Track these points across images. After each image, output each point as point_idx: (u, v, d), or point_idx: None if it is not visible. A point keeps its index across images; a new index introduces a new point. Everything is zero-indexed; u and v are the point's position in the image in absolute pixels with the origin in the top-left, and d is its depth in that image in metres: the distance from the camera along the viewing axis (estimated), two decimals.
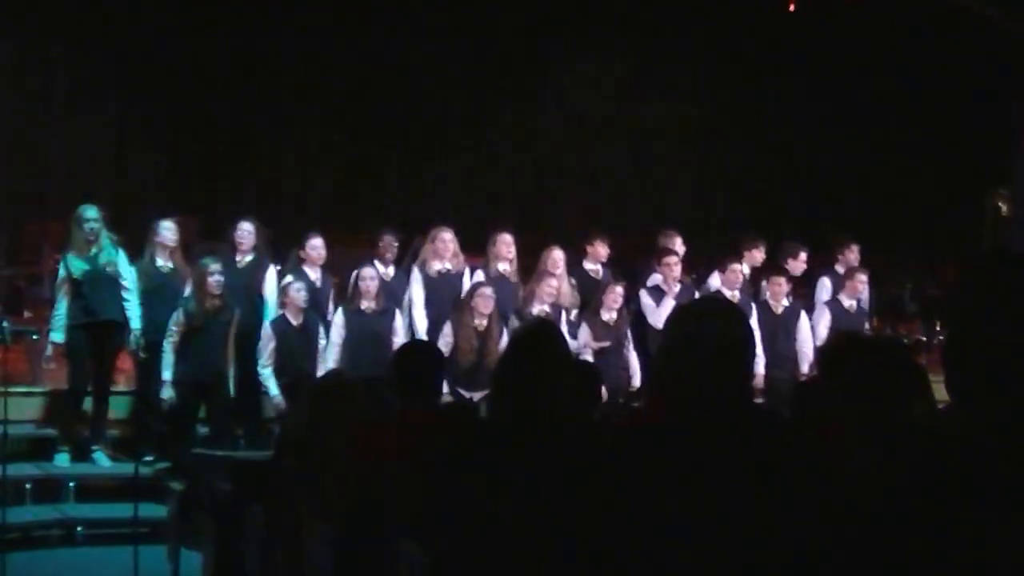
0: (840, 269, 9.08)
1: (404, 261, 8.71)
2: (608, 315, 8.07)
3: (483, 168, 13.23)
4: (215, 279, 7.40)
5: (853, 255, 9.12)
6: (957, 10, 11.30)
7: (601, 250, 8.76)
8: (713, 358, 2.30)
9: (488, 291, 7.67)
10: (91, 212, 7.51)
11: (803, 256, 9.14)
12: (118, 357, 7.85)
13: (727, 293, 8.27)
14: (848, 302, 8.67)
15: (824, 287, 9.08)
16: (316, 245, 8.05)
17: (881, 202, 13.63)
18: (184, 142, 12.04)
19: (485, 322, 7.59)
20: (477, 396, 7.44)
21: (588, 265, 8.76)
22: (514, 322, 7.78)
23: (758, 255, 9.15)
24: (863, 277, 8.78)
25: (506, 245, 8.27)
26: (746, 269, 8.90)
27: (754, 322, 8.17)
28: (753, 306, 8.31)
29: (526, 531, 2.70)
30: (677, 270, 8.44)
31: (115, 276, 7.49)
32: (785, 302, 8.55)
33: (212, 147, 12.12)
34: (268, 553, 4.23)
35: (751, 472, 2.22)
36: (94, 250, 7.46)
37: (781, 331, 8.42)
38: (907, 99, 13.43)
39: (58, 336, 7.49)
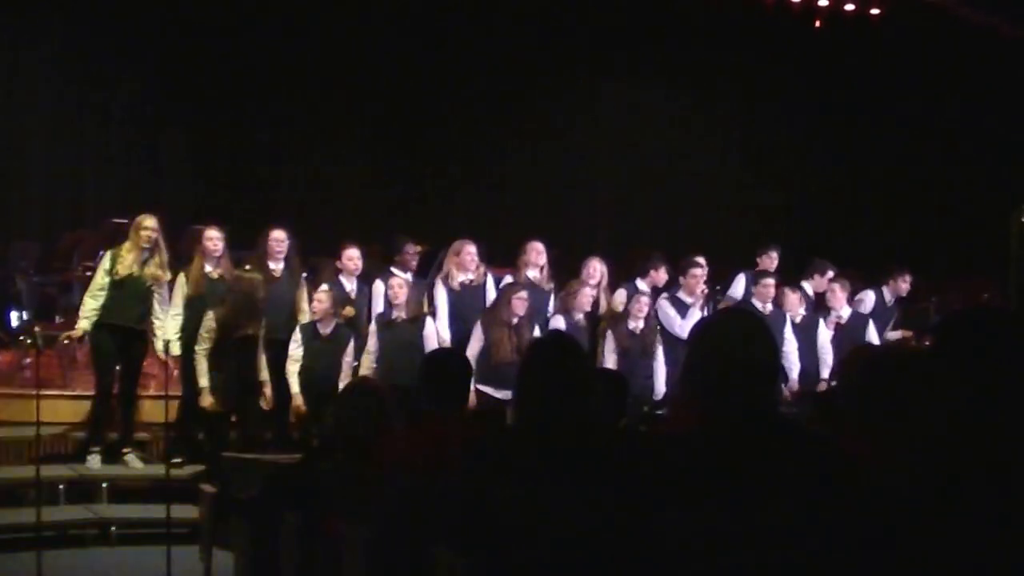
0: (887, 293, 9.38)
1: (430, 272, 8.82)
2: (634, 324, 8.14)
3: (515, 181, 13.33)
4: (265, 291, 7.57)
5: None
6: (982, 28, 11.31)
7: (660, 276, 8.83)
8: (740, 371, 2.34)
9: (524, 293, 7.80)
10: (150, 221, 7.64)
11: (830, 274, 9.28)
12: (144, 361, 7.94)
13: (759, 306, 8.39)
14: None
15: (868, 299, 9.29)
16: (352, 256, 8.16)
17: (909, 218, 13.65)
18: (217, 152, 12.17)
19: (516, 320, 7.70)
20: (507, 395, 7.44)
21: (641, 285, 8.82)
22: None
23: (769, 262, 9.26)
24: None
25: (536, 252, 8.39)
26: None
27: (789, 333, 8.31)
28: (788, 317, 8.45)
29: (559, 538, 2.73)
30: (702, 282, 8.54)
31: (150, 290, 7.60)
32: (802, 311, 8.66)
33: (245, 158, 12.24)
34: (302, 556, 4.28)
35: (779, 483, 2.24)
36: (145, 256, 7.57)
37: (803, 342, 8.52)
38: (935, 117, 13.44)
39: (87, 324, 7.54)
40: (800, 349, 8.47)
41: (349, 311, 7.93)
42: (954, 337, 2.19)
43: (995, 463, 2.01)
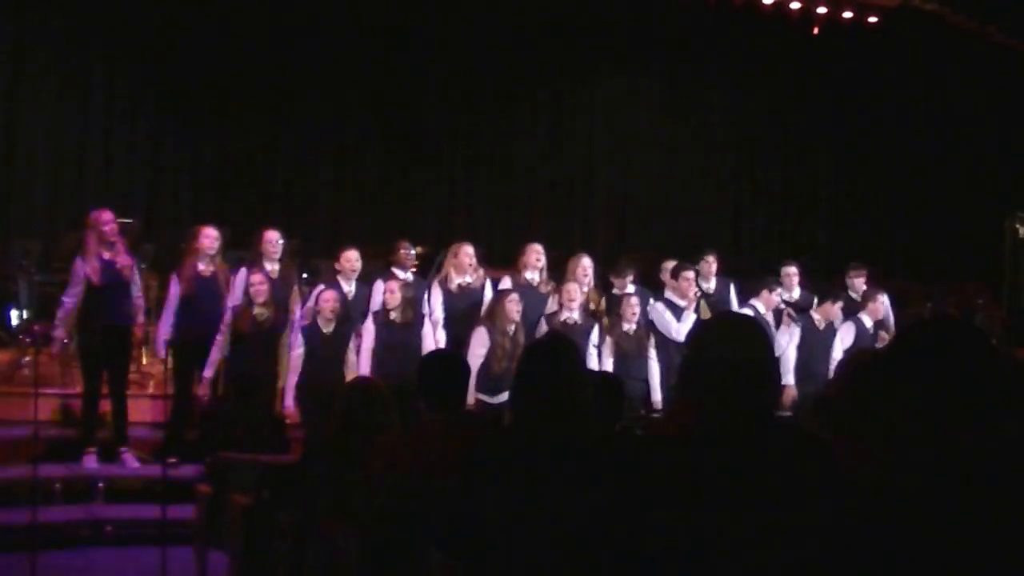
0: (853, 295, 9.24)
1: (429, 273, 8.82)
2: (628, 326, 8.17)
3: (513, 183, 13.35)
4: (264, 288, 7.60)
5: (860, 280, 9.24)
6: (978, 37, 11.35)
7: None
8: (736, 375, 2.35)
9: (516, 296, 7.76)
10: (107, 216, 7.66)
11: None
12: (130, 358, 7.96)
13: (761, 310, 8.41)
14: (869, 322, 8.80)
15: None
16: (351, 257, 8.18)
17: (905, 224, 13.68)
18: (218, 154, 12.18)
19: (513, 327, 7.67)
20: (501, 399, 7.41)
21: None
22: (542, 328, 7.85)
23: (707, 267, 9.22)
24: (882, 298, 8.87)
25: (536, 254, 8.35)
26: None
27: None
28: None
29: (553, 540, 2.74)
30: (695, 285, 8.54)
31: (128, 281, 7.62)
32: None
33: (245, 159, 12.25)
34: (296, 556, 4.28)
35: (776, 485, 2.26)
36: (110, 254, 7.60)
37: (819, 348, 8.52)
38: (931, 124, 13.48)
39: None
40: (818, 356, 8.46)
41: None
42: (908, 344, 2.22)
43: (961, 467, 2.03)
